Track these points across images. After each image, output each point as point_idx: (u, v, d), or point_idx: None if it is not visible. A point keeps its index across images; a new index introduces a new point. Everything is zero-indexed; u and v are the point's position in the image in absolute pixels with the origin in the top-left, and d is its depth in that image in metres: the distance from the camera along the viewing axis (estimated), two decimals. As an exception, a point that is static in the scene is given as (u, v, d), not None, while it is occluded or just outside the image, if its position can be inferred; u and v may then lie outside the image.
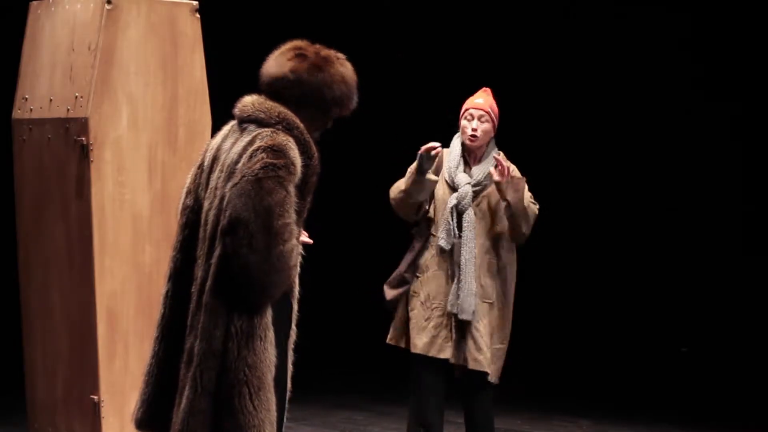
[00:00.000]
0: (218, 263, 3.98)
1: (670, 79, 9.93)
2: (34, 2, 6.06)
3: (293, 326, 4.29)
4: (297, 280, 4.25)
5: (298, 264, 4.23)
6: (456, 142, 6.05)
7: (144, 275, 5.71)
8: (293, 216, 3.97)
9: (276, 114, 4.07)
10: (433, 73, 10.34)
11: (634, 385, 9.15)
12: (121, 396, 5.63)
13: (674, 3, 9.73)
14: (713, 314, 9.80)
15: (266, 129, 4.04)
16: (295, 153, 3.99)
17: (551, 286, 10.02)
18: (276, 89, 4.15)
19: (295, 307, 4.28)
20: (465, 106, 6.04)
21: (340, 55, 4.25)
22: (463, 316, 5.87)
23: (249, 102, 4.15)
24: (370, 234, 9.89)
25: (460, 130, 6.02)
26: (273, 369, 4.04)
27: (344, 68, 4.21)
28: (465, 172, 5.97)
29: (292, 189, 3.96)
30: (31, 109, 5.89)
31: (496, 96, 6.10)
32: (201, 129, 5.85)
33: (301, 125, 4.08)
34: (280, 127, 4.04)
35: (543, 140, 9.88)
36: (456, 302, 5.88)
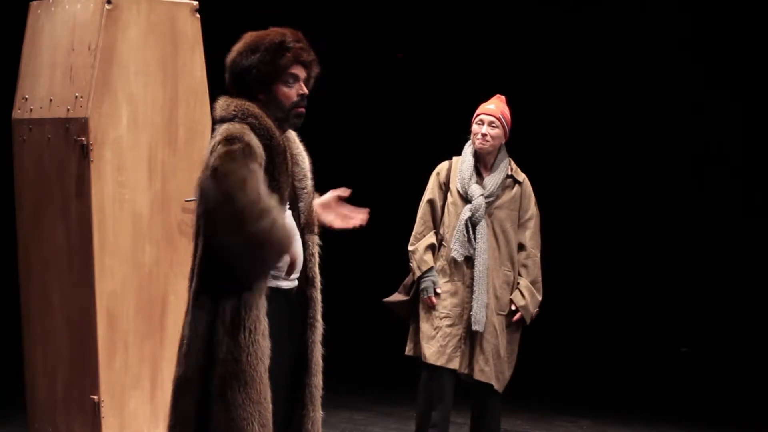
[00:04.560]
0: (201, 257, 4.04)
1: (677, 81, 9.92)
2: (34, 2, 6.06)
3: (318, 317, 4.33)
4: (317, 270, 4.30)
5: (316, 253, 4.25)
6: (468, 150, 6.02)
7: (144, 275, 5.71)
8: (261, 193, 3.96)
9: (233, 108, 4.16)
10: (432, 73, 10.33)
11: (634, 385, 9.15)
12: (121, 396, 5.63)
13: (676, 5, 9.73)
14: (713, 314, 9.79)
15: (225, 124, 4.12)
16: (250, 137, 4.05)
17: (551, 287, 10.00)
18: (228, 84, 4.25)
19: (318, 297, 4.32)
20: (477, 112, 6.02)
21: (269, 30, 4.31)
22: (475, 328, 5.86)
23: (217, 105, 4.26)
24: (371, 237, 9.89)
25: (471, 135, 6.01)
26: (267, 361, 4.05)
27: (252, 36, 4.26)
28: (477, 182, 5.96)
29: (255, 167, 3.98)
30: (31, 109, 5.89)
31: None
32: (201, 129, 5.85)
33: (258, 111, 4.16)
34: (236, 119, 4.13)
35: (543, 142, 9.87)
36: (469, 314, 5.88)
